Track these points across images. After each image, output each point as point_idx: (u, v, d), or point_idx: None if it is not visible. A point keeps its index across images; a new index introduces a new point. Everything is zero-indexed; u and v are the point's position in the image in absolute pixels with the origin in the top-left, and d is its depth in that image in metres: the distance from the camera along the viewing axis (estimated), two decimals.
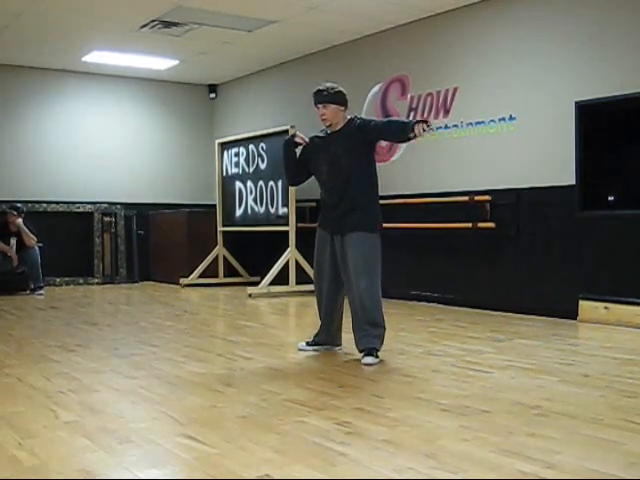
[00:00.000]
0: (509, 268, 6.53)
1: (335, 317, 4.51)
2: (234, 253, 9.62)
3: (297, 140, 4.51)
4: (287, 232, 8.18)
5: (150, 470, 2.40)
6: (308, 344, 4.59)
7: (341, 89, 4.36)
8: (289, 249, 8.17)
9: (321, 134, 4.49)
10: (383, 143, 7.76)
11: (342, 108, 4.33)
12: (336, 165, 4.34)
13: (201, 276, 9.38)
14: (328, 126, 4.39)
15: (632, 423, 2.90)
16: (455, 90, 7.04)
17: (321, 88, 4.33)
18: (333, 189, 4.41)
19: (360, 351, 4.26)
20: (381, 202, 7.98)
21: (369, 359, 4.16)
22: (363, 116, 4.57)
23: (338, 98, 4.31)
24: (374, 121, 4.37)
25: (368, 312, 4.22)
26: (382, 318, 4.27)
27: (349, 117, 4.39)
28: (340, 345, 4.59)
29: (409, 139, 4.20)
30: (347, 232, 4.29)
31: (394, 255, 7.50)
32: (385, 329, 4.30)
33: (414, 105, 7.48)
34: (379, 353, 4.23)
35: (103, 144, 10.01)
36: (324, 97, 4.30)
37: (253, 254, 9.61)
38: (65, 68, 9.61)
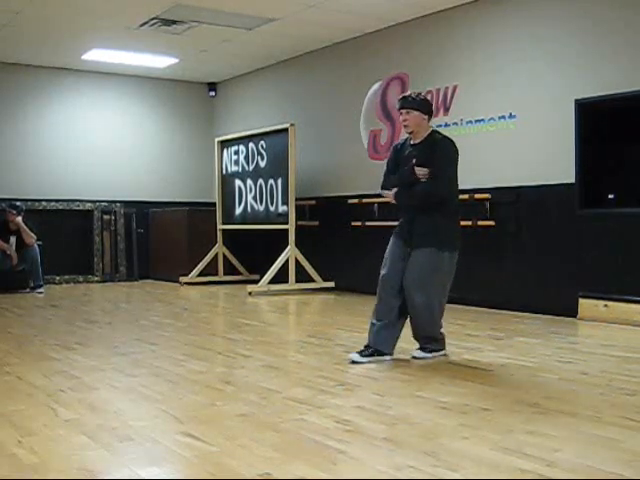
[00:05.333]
0: (509, 266, 6.54)
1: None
2: (234, 251, 9.62)
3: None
4: (287, 230, 8.18)
5: (150, 468, 2.40)
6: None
7: (427, 98, 4.36)
8: (289, 247, 8.17)
9: (410, 142, 4.36)
10: (382, 141, 7.78)
11: (425, 117, 4.27)
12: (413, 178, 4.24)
13: (201, 274, 9.38)
14: (410, 133, 4.32)
15: (631, 421, 2.90)
16: (455, 88, 7.04)
17: (406, 95, 4.34)
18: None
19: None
20: (381, 200, 7.92)
21: (417, 353, 4.28)
22: (444, 135, 4.39)
23: (422, 106, 4.26)
24: (441, 161, 4.22)
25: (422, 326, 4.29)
26: (437, 331, 4.32)
27: (432, 129, 4.34)
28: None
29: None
30: (415, 247, 4.23)
31: None
32: (438, 339, 4.34)
33: (397, 106, 7.44)
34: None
35: (102, 142, 10.01)
36: (408, 103, 4.26)
37: (253, 252, 9.61)
38: (64, 66, 9.60)
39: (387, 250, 4.37)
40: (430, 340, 4.33)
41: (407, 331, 5.32)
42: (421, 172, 4.14)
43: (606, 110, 5.74)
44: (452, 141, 4.31)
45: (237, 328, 5.73)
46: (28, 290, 8.63)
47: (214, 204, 9.64)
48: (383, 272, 4.34)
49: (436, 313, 4.27)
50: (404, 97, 4.32)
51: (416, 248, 4.21)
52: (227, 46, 8.55)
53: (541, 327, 5.52)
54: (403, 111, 4.28)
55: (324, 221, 8.60)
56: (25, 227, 8.57)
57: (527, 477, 2.27)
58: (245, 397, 3.34)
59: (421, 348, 4.31)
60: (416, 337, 4.35)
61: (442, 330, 4.38)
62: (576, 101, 5.88)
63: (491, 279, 6.66)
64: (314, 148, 8.67)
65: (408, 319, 4.30)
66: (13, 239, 8.62)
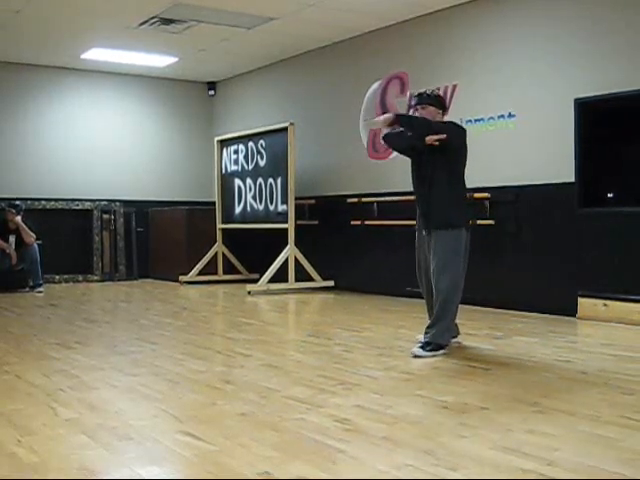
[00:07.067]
0: (508, 265, 6.53)
1: None
2: (233, 250, 9.62)
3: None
4: (286, 229, 8.18)
5: (150, 467, 2.41)
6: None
7: (440, 94, 4.73)
8: (288, 246, 8.17)
9: None
10: (382, 140, 7.77)
11: (439, 111, 4.59)
12: (424, 163, 4.52)
13: (200, 273, 9.39)
14: None
15: (630, 420, 2.90)
16: (454, 87, 7.04)
17: (422, 92, 4.64)
18: (420, 185, 4.57)
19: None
20: (380, 200, 7.94)
21: (417, 350, 4.31)
22: (455, 121, 4.75)
23: (436, 101, 4.59)
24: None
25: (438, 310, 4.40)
26: (447, 319, 4.39)
27: (446, 120, 4.62)
28: (458, 335, 4.66)
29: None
30: (432, 229, 4.45)
31: (393, 252, 7.50)
32: (444, 328, 4.38)
33: (413, 102, 7.46)
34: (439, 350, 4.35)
35: (102, 142, 10.00)
36: (423, 99, 4.58)
37: (252, 251, 9.61)
38: (64, 65, 9.59)
39: (415, 251, 4.62)
40: (440, 328, 4.35)
41: (406, 330, 5.32)
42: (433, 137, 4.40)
43: (606, 110, 5.73)
44: (456, 124, 4.62)
45: (237, 327, 5.74)
46: (27, 289, 8.62)
47: (214, 203, 9.64)
48: (417, 273, 4.61)
49: (457, 297, 4.44)
50: (420, 94, 4.62)
51: (434, 231, 4.42)
52: (226, 45, 8.55)
53: (540, 326, 5.52)
54: (419, 107, 4.57)
55: (323, 220, 8.60)
56: (24, 226, 8.56)
57: (528, 477, 2.27)
58: (245, 396, 3.35)
59: (421, 347, 4.32)
60: (431, 323, 4.40)
61: (456, 321, 4.54)
62: (576, 101, 5.88)
63: (490, 278, 6.65)
64: (314, 147, 8.67)
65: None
66: (12, 238, 8.62)
